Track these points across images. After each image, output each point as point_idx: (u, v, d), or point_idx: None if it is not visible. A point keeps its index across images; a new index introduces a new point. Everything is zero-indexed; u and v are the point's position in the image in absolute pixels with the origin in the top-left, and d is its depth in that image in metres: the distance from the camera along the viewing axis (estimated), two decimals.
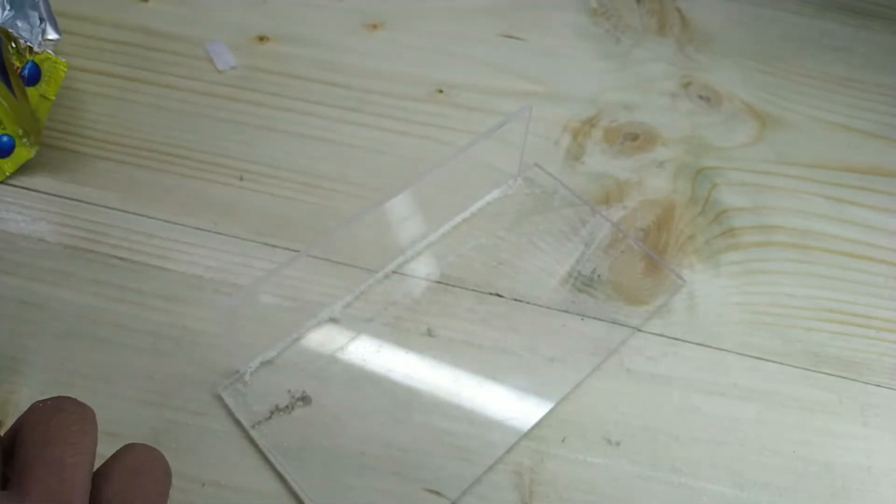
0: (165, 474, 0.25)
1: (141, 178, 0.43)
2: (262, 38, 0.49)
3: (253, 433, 0.34)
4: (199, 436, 0.34)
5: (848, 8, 0.55)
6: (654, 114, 0.48)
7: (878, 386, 0.38)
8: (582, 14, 0.53)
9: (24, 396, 0.35)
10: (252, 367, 0.36)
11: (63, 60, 0.44)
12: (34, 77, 0.43)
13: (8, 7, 0.43)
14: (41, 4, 0.45)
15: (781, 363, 0.38)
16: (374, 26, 0.51)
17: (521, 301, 0.39)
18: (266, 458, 0.34)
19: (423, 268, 0.40)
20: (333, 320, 0.38)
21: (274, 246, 0.40)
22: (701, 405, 0.36)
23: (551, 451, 0.35)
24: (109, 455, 0.24)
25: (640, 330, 0.39)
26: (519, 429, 0.35)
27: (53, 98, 0.44)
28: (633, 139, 0.47)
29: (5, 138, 0.41)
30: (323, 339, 0.37)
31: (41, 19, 0.44)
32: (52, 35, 0.45)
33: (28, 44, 0.43)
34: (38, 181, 0.42)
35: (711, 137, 0.47)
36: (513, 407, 0.36)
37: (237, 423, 0.35)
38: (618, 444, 0.35)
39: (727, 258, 0.42)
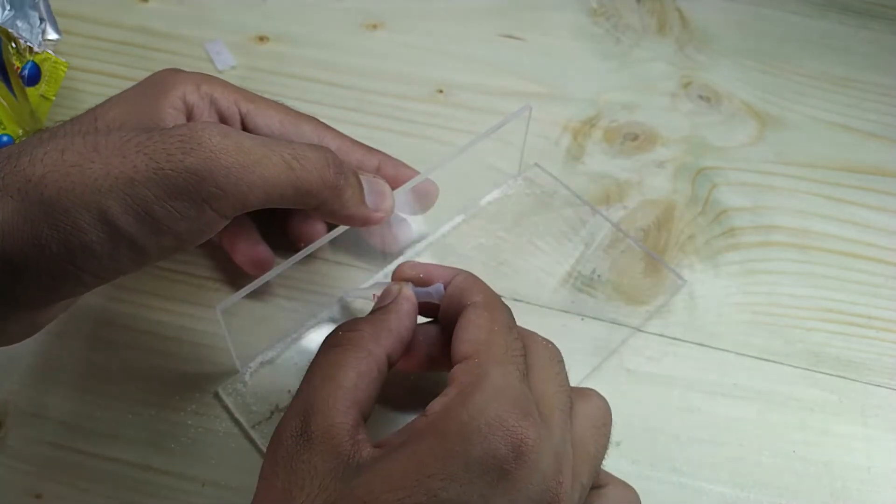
0: None
1: None
2: (262, 38, 0.49)
3: (253, 433, 0.34)
4: (199, 436, 0.34)
5: (848, 8, 0.55)
6: (654, 114, 0.48)
7: (878, 386, 0.38)
8: (582, 14, 0.53)
9: (24, 397, 0.35)
10: (252, 367, 0.36)
11: (63, 60, 0.44)
12: (34, 77, 0.43)
13: (8, 7, 0.43)
14: (41, 4, 0.45)
15: (781, 363, 0.38)
16: (374, 26, 0.51)
17: (521, 301, 0.39)
18: None
19: None
20: (333, 320, 0.38)
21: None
22: (701, 405, 0.36)
23: None
24: None
25: (640, 330, 0.39)
26: None
27: (53, 98, 0.44)
28: (633, 139, 0.47)
29: (5, 138, 0.41)
30: (323, 339, 0.37)
31: (41, 19, 0.45)
32: (52, 35, 0.45)
33: (28, 44, 0.43)
34: None
35: (711, 137, 0.47)
36: None
37: (237, 423, 0.35)
38: (618, 444, 0.35)
39: (727, 258, 0.42)
